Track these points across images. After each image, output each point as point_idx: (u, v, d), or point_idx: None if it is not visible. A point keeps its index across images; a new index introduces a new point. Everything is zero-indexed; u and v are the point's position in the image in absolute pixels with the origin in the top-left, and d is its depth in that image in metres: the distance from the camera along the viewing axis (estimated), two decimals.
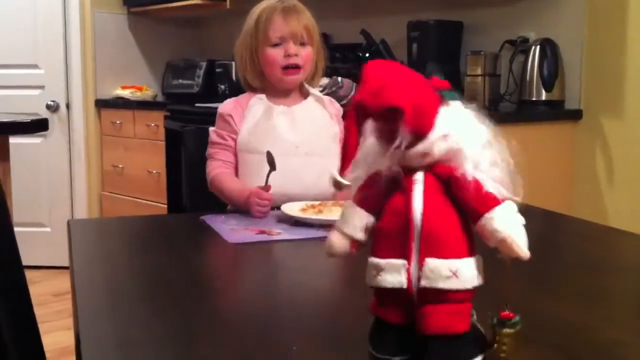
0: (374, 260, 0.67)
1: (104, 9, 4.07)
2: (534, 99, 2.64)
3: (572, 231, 1.45)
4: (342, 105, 2.81)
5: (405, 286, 0.65)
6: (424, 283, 0.65)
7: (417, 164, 0.66)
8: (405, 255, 0.66)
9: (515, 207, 0.67)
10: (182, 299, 0.94)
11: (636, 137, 2.48)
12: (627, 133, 2.53)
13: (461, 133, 0.66)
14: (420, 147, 0.65)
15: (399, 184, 0.67)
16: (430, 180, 0.67)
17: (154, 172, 3.62)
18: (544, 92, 2.63)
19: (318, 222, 1.36)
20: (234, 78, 3.38)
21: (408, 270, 0.65)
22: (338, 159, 1.76)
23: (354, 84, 2.92)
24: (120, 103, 3.94)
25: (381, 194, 0.68)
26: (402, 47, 3.04)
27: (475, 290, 0.67)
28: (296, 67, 1.57)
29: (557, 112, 2.64)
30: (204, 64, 3.88)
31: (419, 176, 0.66)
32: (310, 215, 1.39)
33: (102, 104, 4.03)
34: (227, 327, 0.84)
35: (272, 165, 1.46)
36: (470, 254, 0.67)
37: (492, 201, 0.66)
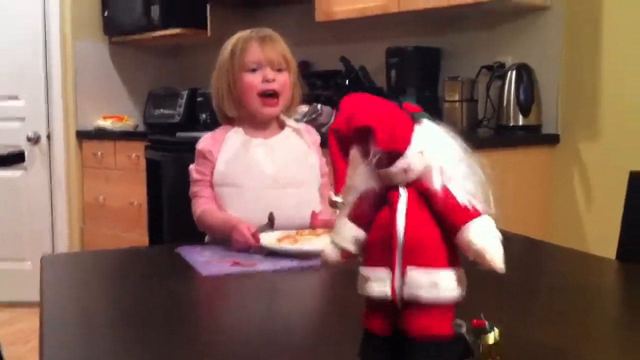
0: (363, 270, 0.73)
1: (85, 39, 4.07)
2: (511, 124, 2.67)
3: (549, 257, 1.45)
4: (322, 133, 2.83)
5: (389, 294, 0.71)
6: (406, 291, 0.70)
7: (400, 180, 0.73)
8: (390, 266, 0.71)
9: (491, 221, 0.72)
10: (151, 333, 0.93)
11: (613, 161, 2.50)
12: (604, 157, 2.55)
13: (436, 149, 0.72)
14: (399, 163, 0.71)
15: (386, 200, 0.73)
16: (413, 195, 0.72)
17: (135, 203, 3.60)
18: (521, 117, 2.66)
19: (293, 252, 1.35)
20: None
21: (392, 280, 0.71)
22: (316, 189, 1.75)
23: (334, 110, 2.93)
24: (101, 134, 3.93)
25: (371, 209, 0.74)
26: (381, 73, 3.07)
27: (456, 300, 0.71)
28: (274, 96, 1.57)
29: (534, 136, 2.67)
30: (185, 93, 3.88)
31: (402, 192, 0.73)
32: (286, 245, 1.38)
33: (84, 135, 4.02)
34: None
35: (270, 225, 1.47)
36: (451, 265, 0.71)
37: (468, 214, 0.71)
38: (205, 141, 1.60)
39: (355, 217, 0.74)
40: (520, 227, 2.46)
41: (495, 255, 0.70)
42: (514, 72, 2.67)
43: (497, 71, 2.76)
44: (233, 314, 1.06)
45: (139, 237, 3.53)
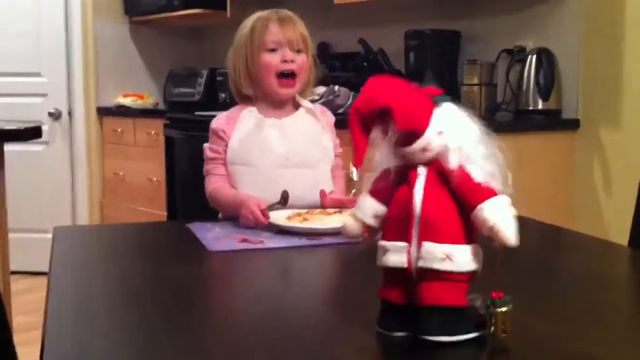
0: (382, 242, 0.79)
1: (105, 19, 4.10)
2: (530, 108, 2.64)
3: (566, 243, 1.44)
4: (339, 114, 2.83)
5: (405, 265, 0.76)
6: (420, 263, 0.75)
7: (419, 160, 0.77)
8: (407, 239, 0.76)
9: (506, 200, 0.75)
10: (155, 311, 0.93)
11: (634, 146, 2.47)
12: (624, 142, 2.52)
13: (455, 130, 0.76)
14: (418, 143, 0.76)
15: (406, 177, 0.77)
16: (432, 174, 0.77)
17: (154, 179, 3.63)
18: (540, 101, 2.63)
19: (302, 231, 1.36)
20: None
21: (408, 252, 0.76)
22: (328, 169, 1.76)
23: (351, 92, 2.92)
24: (121, 111, 3.96)
25: (390, 186, 0.79)
26: (400, 57, 3.04)
27: (470, 275, 0.75)
28: (291, 76, 1.57)
29: (554, 121, 2.64)
30: (205, 73, 3.89)
31: (422, 170, 0.77)
32: (296, 223, 1.39)
33: (104, 112, 4.06)
34: (195, 338, 0.84)
35: (283, 203, 1.48)
36: (467, 241, 0.76)
37: (484, 193, 0.75)
38: (219, 120, 1.60)
39: (376, 193, 0.80)
40: (540, 213, 2.43)
41: (508, 231, 0.73)
42: (534, 57, 2.63)
43: (517, 55, 2.73)
44: (240, 291, 1.07)
45: (158, 212, 3.57)
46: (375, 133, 0.77)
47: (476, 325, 0.77)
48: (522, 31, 2.80)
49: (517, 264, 1.27)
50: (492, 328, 0.76)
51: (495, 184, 0.75)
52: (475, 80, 2.74)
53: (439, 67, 2.94)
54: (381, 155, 0.79)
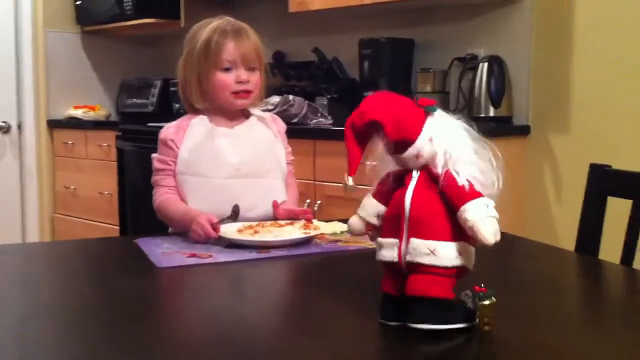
0: (379, 239, 0.88)
1: (56, 28, 4.01)
2: (482, 115, 2.67)
3: (517, 251, 1.44)
4: (293, 124, 2.81)
5: (396, 259, 0.85)
6: (408, 258, 0.84)
7: (413, 165, 0.86)
8: (398, 236, 0.85)
9: (487, 201, 0.82)
10: (100, 330, 0.91)
11: (582, 151, 2.51)
12: (573, 147, 2.56)
13: (444, 138, 0.84)
14: (410, 150, 0.85)
15: (403, 181, 0.86)
16: (424, 177, 0.86)
17: (106, 193, 3.56)
18: (492, 108, 2.66)
19: (253, 244, 1.33)
20: None
21: (399, 247, 0.85)
22: (281, 178, 1.74)
23: (306, 102, 2.91)
24: (72, 123, 3.88)
25: (390, 189, 0.88)
26: (355, 65, 3.05)
27: (455, 270, 0.83)
28: (247, 92, 1.55)
29: (505, 128, 2.67)
30: (158, 83, 3.84)
31: (415, 174, 0.86)
32: (246, 236, 1.37)
33: (55, 125, 3.97)
34: (145, 355, 0.81)
35: (234, 217, 1.46)
36: (453, 239, 0.83)
37: (466, 195, 0.82)
38: (168, 130, 1.57)
39: (378, 195, 0.89)
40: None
41: (485, 231, 0.80)
42: (485, 64, 2.67)
43: (469, 63, 2.76)
44: (189, 308, 1.04)
45: (111, 226, 3.50)
46: (372, 143, 0.86)
47: (465, 317, 0.83)
48: (473, 39, 2.83)
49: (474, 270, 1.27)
50: (477, 320, 0.82)
51: (478, 187, 0.82)
52: (429, 88, 2.76)
53: (393, 75, 2.95)
54: (381, 161, 0.88)
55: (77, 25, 4.10)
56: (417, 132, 0.84)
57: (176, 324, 0.96)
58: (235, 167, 1.53)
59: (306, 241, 1.38)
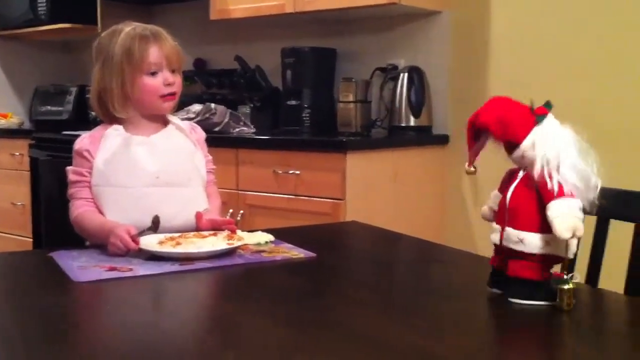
0: (493, 224, 1.07)
1: None
2: (403, 124, 2.72)
3: (436, 258, 1.47)
4: (215, 132, 2.78)
5: (498, 242, 1.04)
6: (504, 243, 1.02)
7: (521, 164, 1.03)
8: (501, 223, 1.04)
9: (572, 202, 0.96)
10: (16, 343, 0.87)
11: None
12: (491, 156, 2.64)
13: (546, 144, 0.98)
14: (516, 152, 1.02)
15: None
16: (527, 176, 1.01)
17: (19, 204, 3.41)
18: (412, 117, 2.71)
19: (175, 256, 1.30)
20: None
21: (501, 233, 1.03)
22: (201, 187, 1.71)
23: (228, 110, 2.89)
24: None
25: (508, 183, 1.05)
26: (277, 73, 3.05)
27: (542, 257, 0.99)
28: (173, 95, 1.53)
29: (424, 137, 2.73)
30: (74, 90, 3.73)
31: (520, 173, 1.03)
32: (168, 248, 1.33)
33: None
34: None
35: (154, 228, 1.42)
36: (540, 231, 0.99)
37: (553, 195, 0.96)
38: (82, 140, 1.52)
39: (500, 188, 1.08)
40: (415, 225, 2.52)
41: (560, 226, 0.94)
42: (405, 75, 2.72)
43: (390, 73, 2.81)
44: (109, 323, 1.00)
45: (24, 238, 3.36)
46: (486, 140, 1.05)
47: (547, 297, 0.99)
48: (394, 50, 2.88)
49: (391, 279, 1.29)
50: (558, 300, 0.98)
51: (567, 189, 0.96)
52: (351, 98, 2.79)
53: (315, 84, 2.97)
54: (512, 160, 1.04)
55: None
56: (524, 136, 0.99)
57: (96, 341, 0.93)
58: (154, 175, 1.49)
59: (230, 252, 1.36)
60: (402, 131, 2.73)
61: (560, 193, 0.96)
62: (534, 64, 2.54)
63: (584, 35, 2.43)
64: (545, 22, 2.53)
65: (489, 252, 1.51)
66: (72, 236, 1.52)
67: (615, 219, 1.31)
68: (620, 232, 1.32)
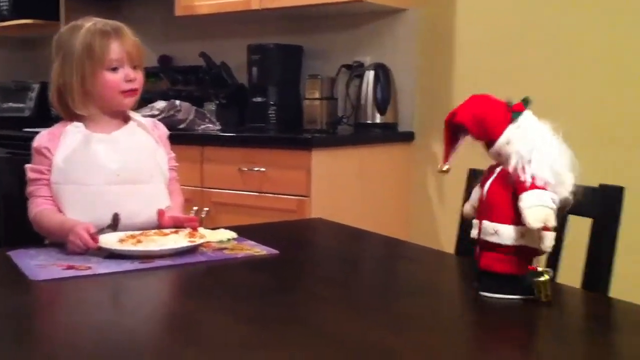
0: (473, 220, 1.09)
1: None
2: (369, 121, 2.72)
3: (401, 255, 1.48)
4: (180, 130, 2.75)
5: (476, 237, 1.06)
6: (481, 236, 1.04)
7: (497, 160, 1.06)
8: (479, 218, 1.06)
9: (543, 193, 0.97)
10: None
11: (463, 157, 2.61)
12: (456, 154, 2.66)
13: (520, 140, 1.00)
14: (493, 148, 1.04)
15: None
16: (503, 172, 1.04)
17: None
18: (378, 115, 2.72)
19: (135, 254, 1.29)
20: None
21: (478, 227, 1.05)
22: (163, 185, 1.69)
23: (194, 107, 2.86)
24: None
25: (487, 179, 1.06)
26: (243, 70, 3.03)
27: (516, 249, 1.00)
28: (134, 91, 1.51)
29: (390, 134, 2.74)
30: (36, 87, 3.67)
31: (497, 169, 1.05)
32: (128, 246, 1.31)
33: None
34: None
35: (114, 226, 1.40)
36: (514, 223, 1.00)
37: (525, 187, 0.98)
38: (41, 138, 1.49)
39: (481, 184, 1.07)
40: (380, 222, 2.52)
41: (529, 217, 0.96)
42: (371, 72, 2.72)
43: (356, 70, 2.81)
44: (67, 322, 0.98)
45: None
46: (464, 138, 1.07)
47: (523, 291, 1.00)
48: (360, 47, 2.89)
49: (356, 275, 1.29)
50: (536, 293, 0.98)
51: (542, 183, 0.97)
52: (317, 95, 2.78)
53: (282, 81, 2.96)
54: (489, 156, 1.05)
55: None
56: (497, 134, 1.02)
57: (56, 341, 0.91)
58: (114, 172, 1.47)
59: (192, 250, 1.34)
60: (368, 128, 2.73)
61: (533, 186, 0.97)
62: (500, 61, 2.57)
63: (549, 31, 2.46)
64: (511, 19, 2.55)
65: (453, 249, 1.53)
66: (31, 235, 1.49)
67: (573, 214, 1.32)
68: (576, 228, 1.33)
